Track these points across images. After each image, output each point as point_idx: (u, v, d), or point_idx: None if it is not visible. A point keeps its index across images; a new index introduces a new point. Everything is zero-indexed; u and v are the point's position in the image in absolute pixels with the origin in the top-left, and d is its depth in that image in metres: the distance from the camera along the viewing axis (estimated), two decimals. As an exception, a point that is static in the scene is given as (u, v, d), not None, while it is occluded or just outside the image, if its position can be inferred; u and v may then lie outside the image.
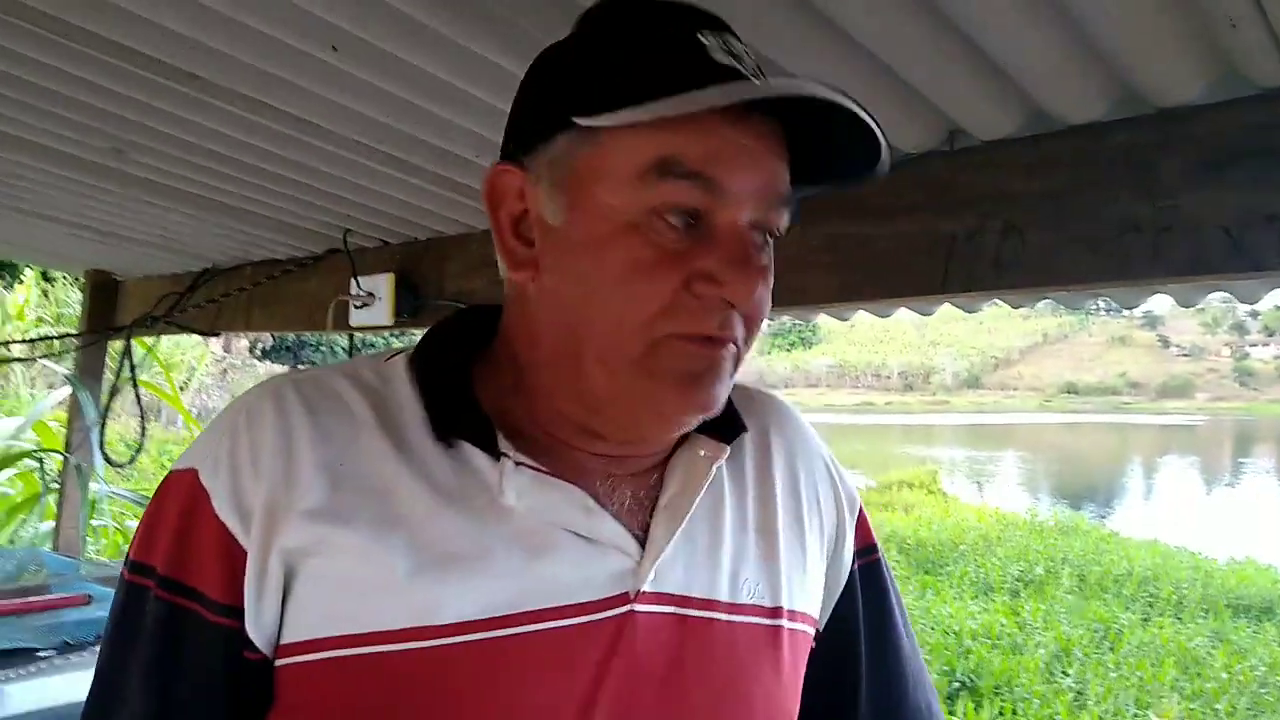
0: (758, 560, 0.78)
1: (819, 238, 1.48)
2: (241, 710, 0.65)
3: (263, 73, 1.38)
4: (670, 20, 0.68)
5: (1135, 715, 6.03)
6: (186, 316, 3.16)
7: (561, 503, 0.69)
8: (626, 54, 0.65)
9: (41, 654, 1.87)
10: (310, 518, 0.64)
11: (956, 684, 6.45)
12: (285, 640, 0.65)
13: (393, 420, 0.70)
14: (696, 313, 0.65)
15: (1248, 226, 1.10)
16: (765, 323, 0.72)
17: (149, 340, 4.15)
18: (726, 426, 0.78)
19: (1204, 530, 15.18)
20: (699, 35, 0.66)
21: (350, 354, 3.17)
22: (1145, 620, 8.57)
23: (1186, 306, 1.77)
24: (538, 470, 0.69)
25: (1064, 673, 6.80)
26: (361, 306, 2.44)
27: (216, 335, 3.33)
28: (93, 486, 3.75)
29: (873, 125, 0.63)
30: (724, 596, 0.74)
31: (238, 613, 0.64)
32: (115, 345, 3.56)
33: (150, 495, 0.72)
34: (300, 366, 19.63)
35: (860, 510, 0.91)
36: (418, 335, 0.81)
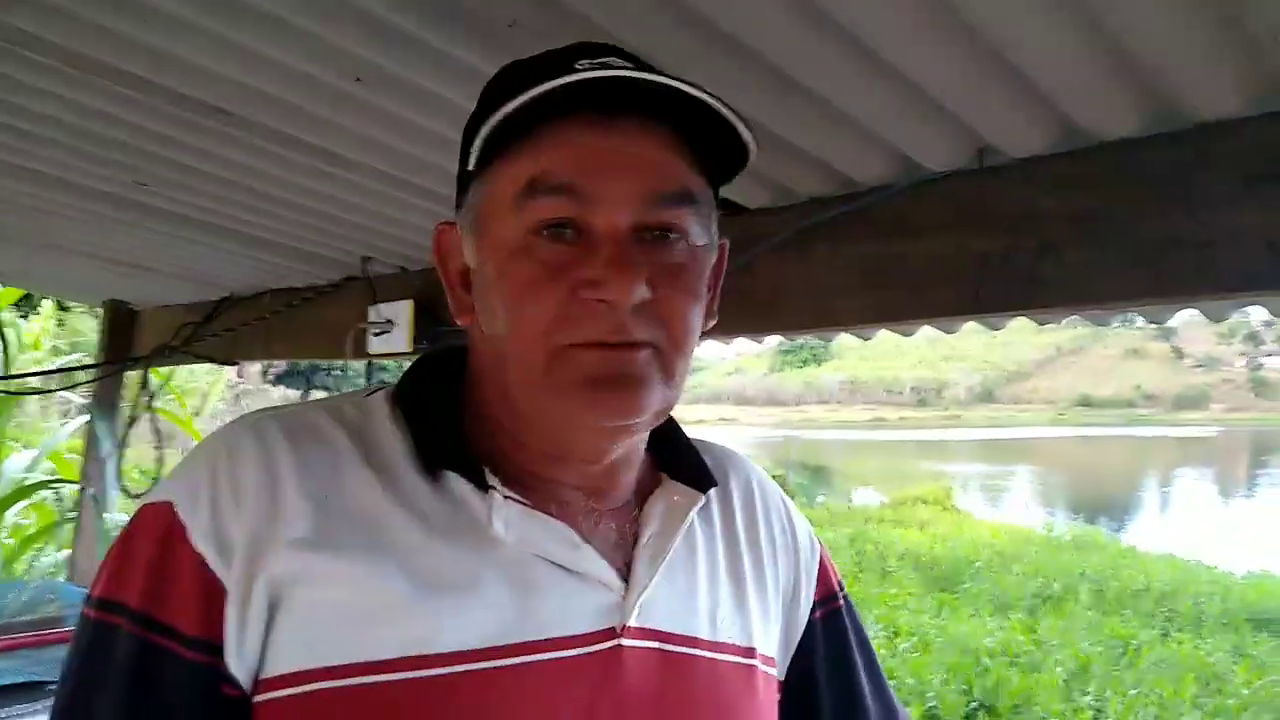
0: (730, 602, 0.81)
1: (848, 258, 1.47)
2: None
3: (287, 105, 1.38)
4: (550, 58, 0.70)
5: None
6: (204, 346, 3.16)
7: (547, 536, 0.70)
8: (504, 95, 0.66)
9: (54, 688, 1.86)
10: (298, 547, 0.64)
11: (974, 704, 6.36)
12: (267, 674, 0.63)
13: (376, 454, 0.71)
14: (585, 319, 0.66)
15: (1292, 241, 1.08)
16: (693, 321, 0.71)
17: (164, 370, 4.16)
18: (698, 477, 0.82)
19: (1222, 543, 15.01)
20: (575, 64, 0.67)
21: (368, 378, 3.17)
22: (1164, 636, 8.44)
23: (1218, 321, 1.75)
24: (524, 504, 0.70)
25: (1083, 691, 6.68)
26: (380, 334, 2.43)
27: (234, 364, 3.33)
28: (108, 516, 3.75)
29: (719, 106, 0.65)
30: (705, 634, 0.76)
31: (215, 648, 0.62)
32: (131, 374, 3.56)
33: None
34: (313, 390, 19.71)
35: (821, 557, 0.93)
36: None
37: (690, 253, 0.71)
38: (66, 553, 3.95)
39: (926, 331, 1.73)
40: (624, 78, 0.64)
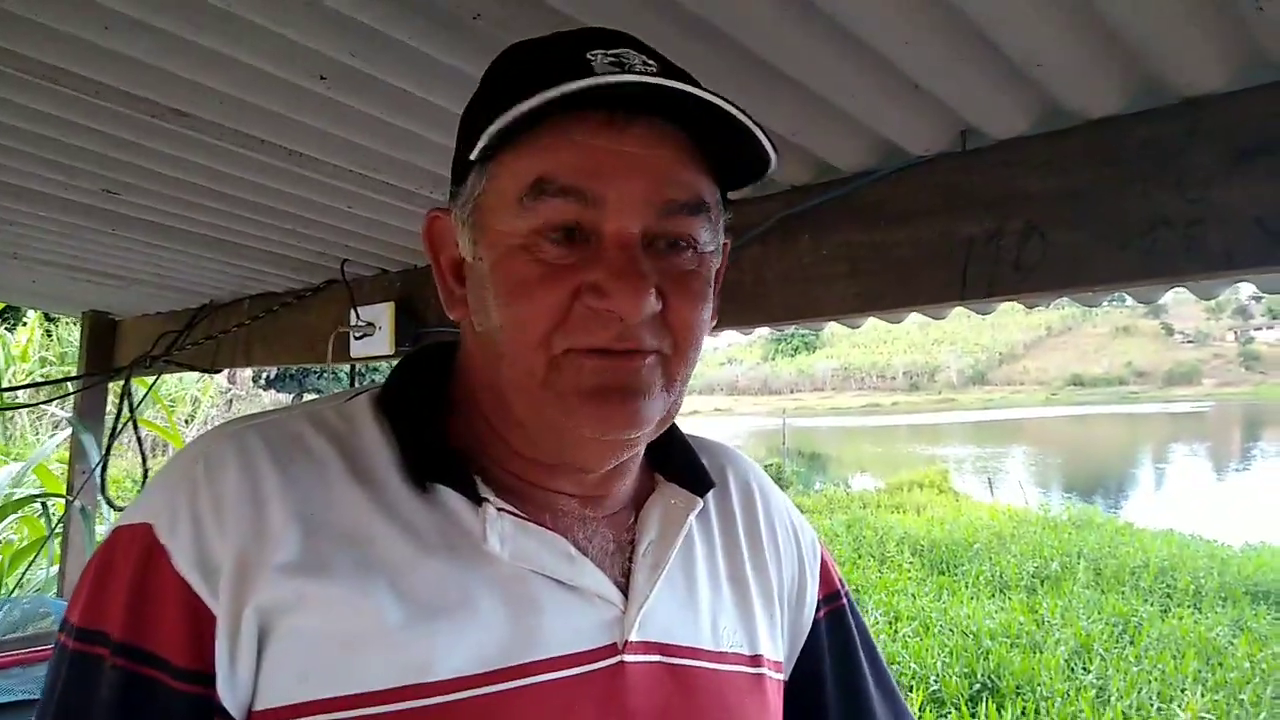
0: (733, 609, 0.79)
1: (832, 247, 1.44)
2: None
3: (251, 106, 1.35)
4: (561, 45, 0.67)
5: (1159, 709, 5.94)
6: (186, 354, 3.12)
7: (544, 550, 0.68)
8: (512, 84, 0.63)
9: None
10: (285, 572, 0.61)
11: (977, 685, 6.38)
12: (260, 706, 0.60)
13: (362, 465, 0.68)
14: (588, 325, 0.64)
15: (1283, 216, 1.05)
16: (700, 330, 0.69)
17: (149, 379, 4.12)
18: (695, 479, 0.80)
19: (1218, 517, 15.09)
20: (588, 54, 0.64)
21: (352, 382, 3.13)
22: (1164, 612, 8.48)
23: (1208, 299, 1.72)
24: (518, 516, 0.68)
25: (1085, 669, 6.72)
26: (361, 337, 2.40)
27: (217, 372, 3.29)
28: (97, 529, 3.71)
29: (743, 119, 0.64)
30: (707, 645, 0.74)
31: (206, 678, 0.60)
32: (116, 385, 3.52)
33: None
34: (305, 394, 19.61)
35: (823, 556, 0.92)
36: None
37: (699, 259, 0.68)
38: (57, 568, 3.91)
39: (917, 317, 1.70)
40: (646, 84, 0.61)
